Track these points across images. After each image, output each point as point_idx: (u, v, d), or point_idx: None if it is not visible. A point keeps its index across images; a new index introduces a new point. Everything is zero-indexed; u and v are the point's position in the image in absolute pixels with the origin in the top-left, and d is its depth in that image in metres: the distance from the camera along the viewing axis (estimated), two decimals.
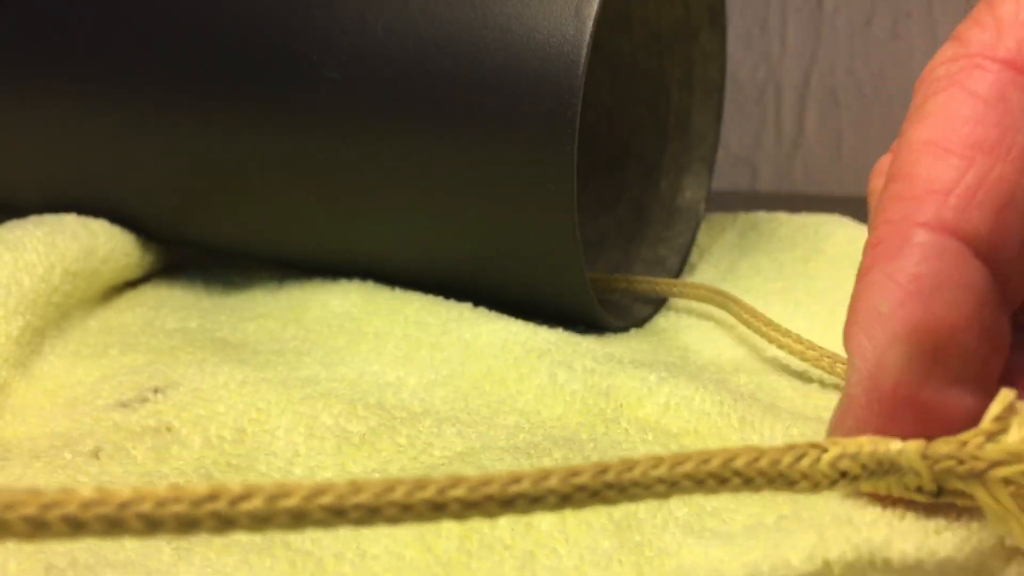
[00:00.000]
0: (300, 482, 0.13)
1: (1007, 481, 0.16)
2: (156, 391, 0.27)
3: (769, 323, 0.31)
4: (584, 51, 0.30)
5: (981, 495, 0.16)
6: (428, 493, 0.14)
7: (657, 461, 0.15)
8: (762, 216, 0.45)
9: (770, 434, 0.25)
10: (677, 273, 0.40)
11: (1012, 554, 0.17)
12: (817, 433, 0.25)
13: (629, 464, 0.15)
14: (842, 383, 0.29)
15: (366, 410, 0.26)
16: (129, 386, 0.28)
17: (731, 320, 0.35)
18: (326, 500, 0.13)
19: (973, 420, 0.17)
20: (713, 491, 0.15)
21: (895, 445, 0.16)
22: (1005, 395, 0.16)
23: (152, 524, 0.13)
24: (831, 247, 0.40)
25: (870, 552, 0.18)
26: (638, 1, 0.41)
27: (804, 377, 0.30)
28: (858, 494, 0.20)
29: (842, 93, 0.65)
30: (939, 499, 0.17)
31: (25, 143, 0.39)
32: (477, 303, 0.34)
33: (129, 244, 0.37)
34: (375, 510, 0.13)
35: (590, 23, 0.30)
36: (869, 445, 0.16)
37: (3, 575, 0.19)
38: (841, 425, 0.19)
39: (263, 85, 0.34)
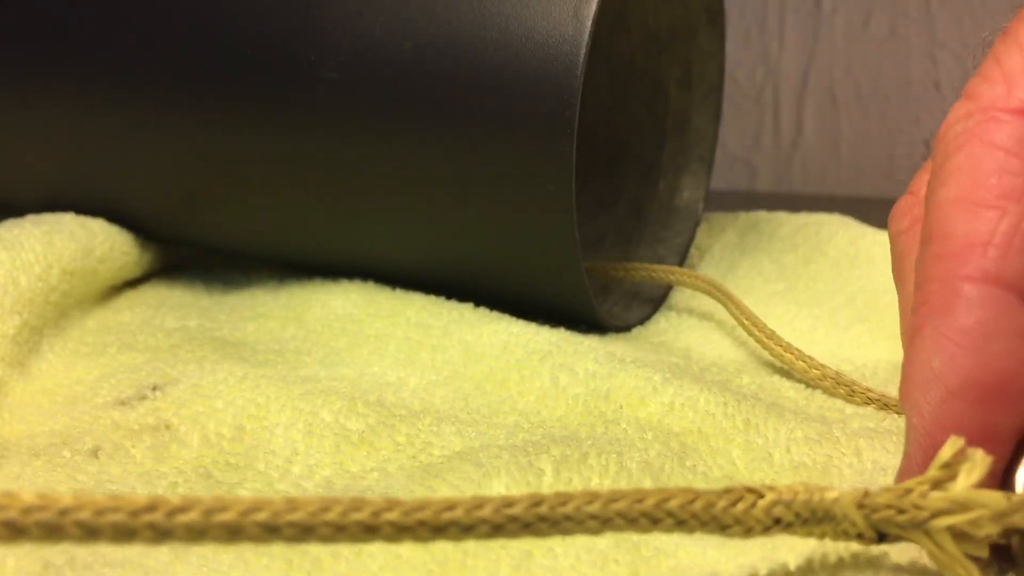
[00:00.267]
0: (238, 497, 0.14)
1: (953, 530, 0.16)
2: (155, 389, 0.27)
3: (772, 335, 0.31)
4: (583, 51, 0.30)
5: (925, 543, 0.16)
6: (362, 515, 0.14)
7: (592, 497, 0.15)
8: (762, 215, 0.45)
9: (774, 436, 0.25)
10: None
11: None
12: (820, 435, 0.25)
13: (564, 498, 0.15)
14: (845, 396, 0.29)
15: (366, 407, 0.26)
16: (128, 384, 0.28)
17: (733, 320, 0.35)
18: (261, 516, 0.13)
19: None
20: (646, 530, 0.15)
21: (831, 494, 0.16)
22: (954, 442, 0.16)
23: (91, 531, 0.13)
24: (832, 248, 0.40)
25: (868, 559, 0.18)
26: (636, 1, 0.41)
27: (806, 378, 0.30)
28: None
29: (840, 93, 0.65)
30: (883, 544, 0.17)
31: (24, 143, 0.39)
32: (478, 303, 0.34)
33: (127, 243, 0.37)
34: (309, 529, 0.14)
35: (589, 23, 0.30)
36: (804, 494, 0.16)
37: (1, 572, 0.19)
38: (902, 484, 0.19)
39: (262, 85, 0.34)
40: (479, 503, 0.14)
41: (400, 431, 0.25)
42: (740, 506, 0.16)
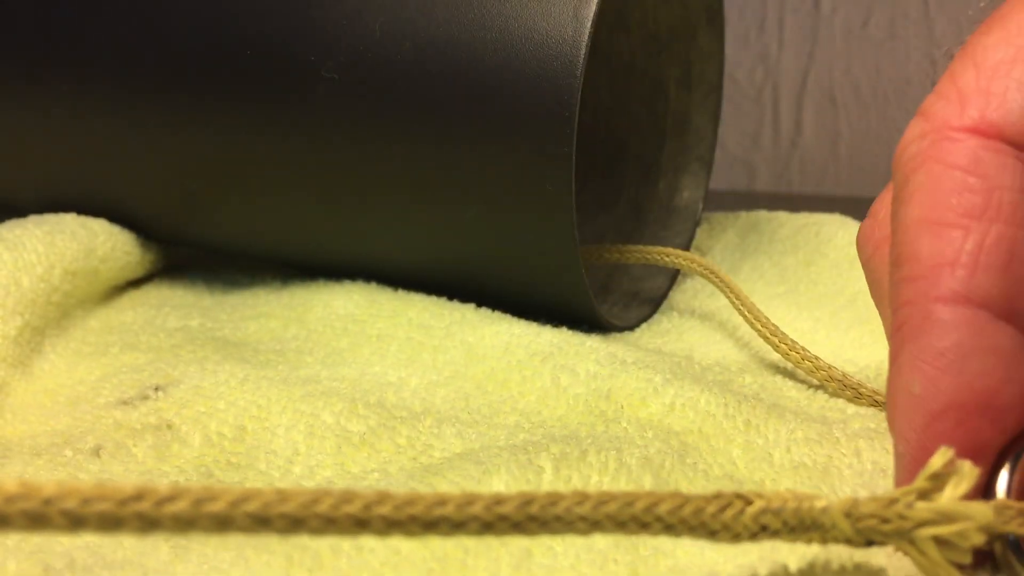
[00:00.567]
0: (228, 487, 0.13)
1: (938, 539, 0.16)
2: (157, 389, 0.27)
3: (767, 324, 0.31)
4: (582, 51, 0.30)
5: (910, 551, 0.16)
6: (353, 508, 0.14)
7: (582, 498, 0.15)
8: (763, 215, 0.45)
9: (774, 437, 0.25)
10: (675, 275, 0.40)
11: None
12: (820, 435, 0.25)
13: (554, 498, 0.15)
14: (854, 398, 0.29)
15: (367, 409, 0.26)
16: (130, 384, 0.28)
17: (736, 320, 0.35)
18: (251, 507, 0.13)
19: None
20: (634, 533, 0.16)
21: (819, 503, 0.16)
22: (943, 453, 0.16)
23: (77, 520, 0.13)
24: (832, 250, 0.40)
25: (870, 566, 0.18)
26: (636, 1, 0.41)
27: (809, 378, 0.30)
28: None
29: (839, 93, 0.65)
30: (871, 548, 0.17)
31: (25, 142, 0.39)
32: (480, 304, 0.34)
33: (129, 243, 0.37)
34: (299, 521, 0.14)
35: (588, 24, 0.30)
36: (793, 502, 0.16)
37: (2, 575, 0.19)
38: None
39: (262, 85, 0.34)
40: (470, 500, 0.14)
41: (401, 433, 0.25)
42: (729, 512, 0.16)
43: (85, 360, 0.30)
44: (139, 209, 0.38)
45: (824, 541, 0.16)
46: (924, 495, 0.16)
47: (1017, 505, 0.16)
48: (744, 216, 0.45)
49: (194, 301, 0.37)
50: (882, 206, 0.23)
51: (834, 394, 0.29)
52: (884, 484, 0.23)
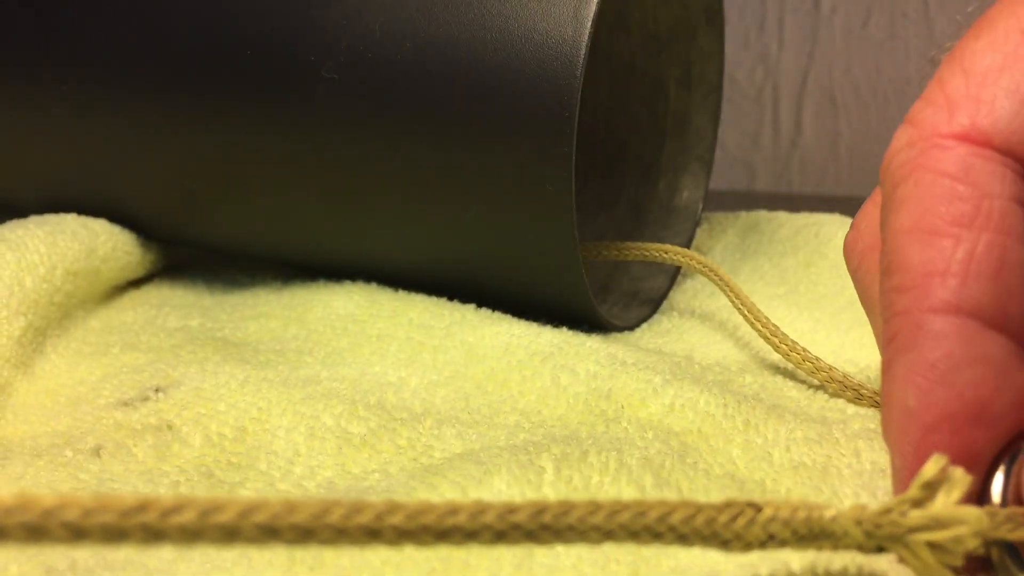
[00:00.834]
0: (235, 497, 0.13)
1: (932, 544, 0.16)
2: (157, 390, 0.27)
3: (767, 324, 0.31)
4: (582, 51, 0.30)
5: (906, 556, 0.16)
6: (364, 519, 0.13)
7: (594, 507, 0.15)
8: (763, 216, 0.45)
9: (773, 436, 0.25)
10: (675, 274, 0.41)
11: None
12: (820, 435, 0.25)
13: (567, 507, 0.15)
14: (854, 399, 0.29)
15: (367, 410, 0.26)
16: (131, 385, 0.28)
17: (736, 320, 0.35)
18: (260, 518, 0.13)
19: None
20: (647, 543, 0.15)
21: (829, 512, 0.16)
22: (936, 461, 0.16)
23: (78, 532, 0.12)
24: (832, 251, 0.40)
25: (872, 566, 0.18)
26: (636, 1, 0.41)
27: (809, 378, 0.30)
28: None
29: (839, 93, 0.65)
30: (880, 553, 0.17)
31: (25, 143, 0.39)
32: (481, 304, 0.34)
33: (129, 243, 0.37)
34: (309, 532, 0.13)
35: (588, 24, 0.30)
36: (803, 511, 0.16)
37: None
38: None
39: (262, 85, 0.34)
40: (482, 509, 0.14)
41: (401, 434, 0.25)
42: (740, 521, 0.16)
43: (86, 360, 0.30)
44: (139, 209, 0.38)
45: (835, 548, 0.16)
46: (918, 504, 0.16)
47: (1006, 511, 0.16)
48: (744, 216, 0.45)
49: (194, 301, 0.37)
50: (864, 216, 0.23)
51: (834, 394, 0.29)
52: (883, 484, 0.23)
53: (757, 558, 0.19)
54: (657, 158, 0.43)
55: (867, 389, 0.28)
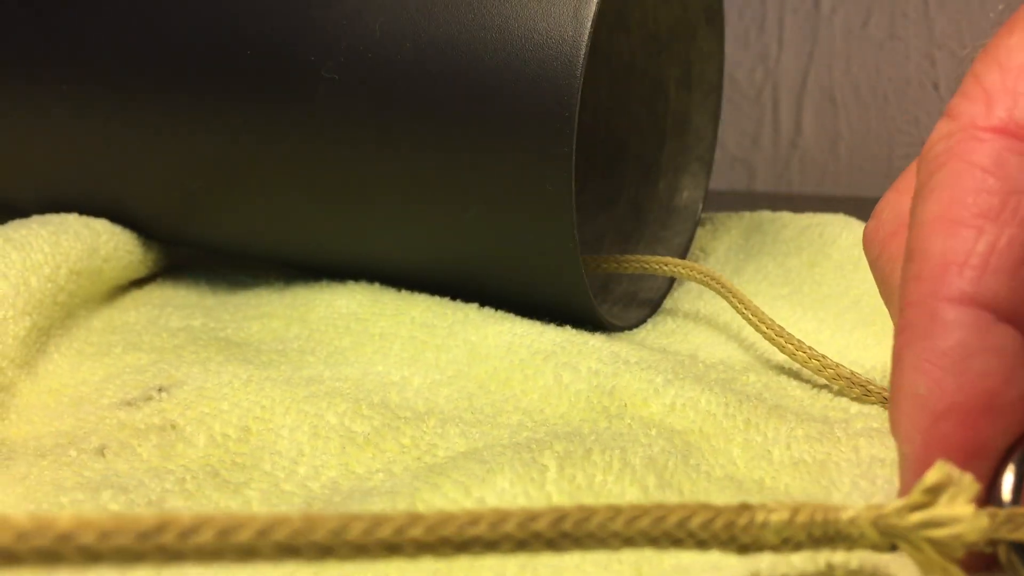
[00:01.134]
0: (254, 515, 0.13)
1: (933, 542, 0.16)
2: (160, 390, 0.27)
3: (772, 325, 0.31)
4: (582, 51, 0.30)
5: (906, 548, 0.16)
6: (384, 533, 0.13)
7: (614, 513, 0.15)
8: (766, 215, 0.45)
9: (774, 435, 0.25)
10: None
11: None
12: (821, 433, 0.25)
13: (587, 513, 0.15)
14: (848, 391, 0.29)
15: (370, 410, 0.26)
16: (134, 385, 0.28)
17: (741, 320, 0.35)
18: (279, 536, 0.13)
19: None
20: (666, 548, 0.15)
21: (846, 513, 0.16)
22: (939, 468, 0.16)
23: (93, 556, 0.12)
24: (836, 251, 0.40)
25: (873, 565, 0.18)
26: (636, 1, 0.41)
27: (813, 377, 0.31)
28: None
29: (839, 93, 0.65)
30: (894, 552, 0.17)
31: (26, 143, 0.39)
32: (483, 304, 0.34)
33: (131, 242, 0.37)
34: (328, 549, 0.13)
35: (588, 23, 0.30)
36: (820, 513, 0.16)
37: None
38: None
39: (262, 85, 0.34)
40: (503, 517, 0.14)
41: (405, 433, 0.25)
42: (756, 524, 0.16)
43: (88, 360, 0.30)
44: (139, 209, 0.38)
45: (849, 549, 0.16)
46: (919, 508, 0.16)
47: (1006, 512, 0.16)
48: (748, 216, 0.45)
49: (197, 301, 0.37)
50: (886, 205, 0.23)
51: (839, 393, 0.29)
52: (882, 472, 0.23)
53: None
54: (657, 158, 0.43)
55: (875, 386, 0.28)
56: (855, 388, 0.28)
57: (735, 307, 0.33)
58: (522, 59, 0.31)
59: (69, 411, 0.27)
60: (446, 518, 0.14)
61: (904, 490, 0.19)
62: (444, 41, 0.32)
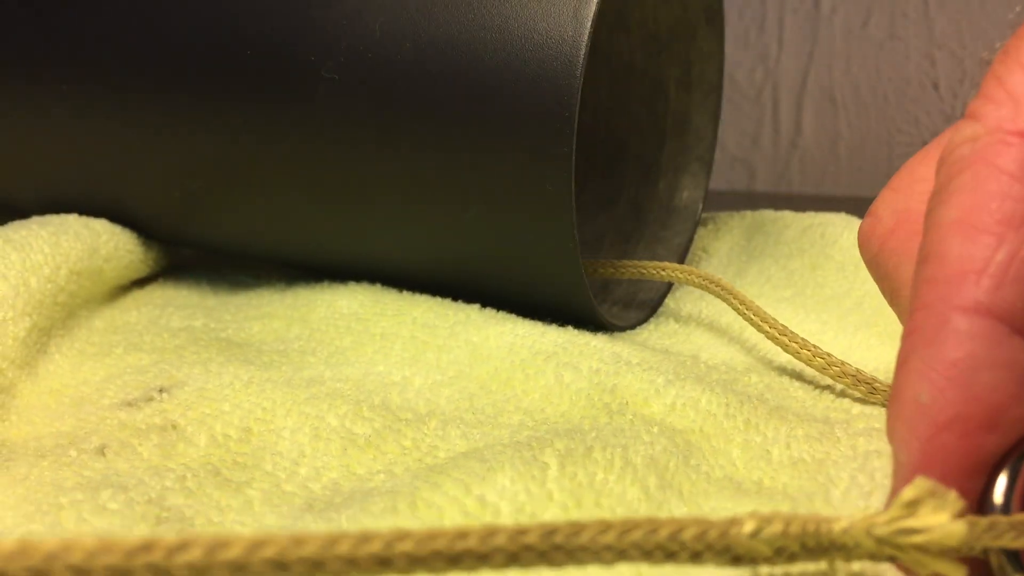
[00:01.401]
0: (239, 534, 0.13)
1: (916, 548, 0.16)
2: (161, 390, 0.27)
3: (774, 325, 0.31)
4: (582, 51, 0.30)
5: (904, 558, 0.16)
6: (374, 547, 0.13)
7: (605, 527, 0.15)
8: (768, 216, 0.45)
9: (773, 435, 0.25)
10: None
11: None
12: (821, 434, 0.25)
13: (577, 528, 0.15)
14: (849, 389, 0.29)
15: (371, 411, 0.26)
16: (135, 385, 0.28)
17: (743, 322, 0.35)
18: (268, 553, 0.13)
19: None
20: (660, 563, 0.15)
21: (839, 524, 0.16)
22: (918, 485, 0.16)
23: (84, 573, 0.12)
24: (838, 252, 0.40)
25: (875, 569, 0.18)
26: (636, 1, 0.41)
27: (816, 378, 0.31)
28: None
29: (839, 93, 0.65)
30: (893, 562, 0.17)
31: (25, 143, 0.39)
32: (485, 304, 0.34)
33: (132, 242, 0.37)
34: (319, 564, 0.13)
35: (588, 24, 0.30)
36: (812, 524, 0.16)
37: None
38: None
39: (262, 86, 0.34)
40: (492, 531, 0.14)
41: (406, 435, 0.25)
42: (748, 535, 0.16)
43: (89, 361, 0.30)
44: (139, 210, 0.38)
45: (847, 559, 0.16)
46: (900, 519, 0.16)
47: (985, 520, 0.16)
48: (750, 216, 0.45)
49: (198, 301, 0.37)
50: (882, 203, 0.23)
51: (842, 394, 0.29)
52: (880, 466, 0.23)
53: None
54: (657, 158, 0.43)
55: (880, 383, 0.28)
56: (860, 386, 0.28)
57: (736, 309, 0.33)
58: (522, 59, 0.31)
59: (70, 411, 0.27)
60: (436, 533, 0.14)
61: (894, 498, 0.18)
62: (444, 41, 0.32)
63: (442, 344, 0.32)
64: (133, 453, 0.24)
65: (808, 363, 0.30)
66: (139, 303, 0.36)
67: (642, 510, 0.21)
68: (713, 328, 0.36)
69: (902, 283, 0.21)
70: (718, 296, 0.35)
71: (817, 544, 0.16)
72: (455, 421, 0.26)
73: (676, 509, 0.22)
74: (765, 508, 0.21)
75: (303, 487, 0.23)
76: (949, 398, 0.17)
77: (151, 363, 0.30)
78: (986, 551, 0.16)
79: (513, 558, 0.14)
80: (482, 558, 0.14)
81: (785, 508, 0.22)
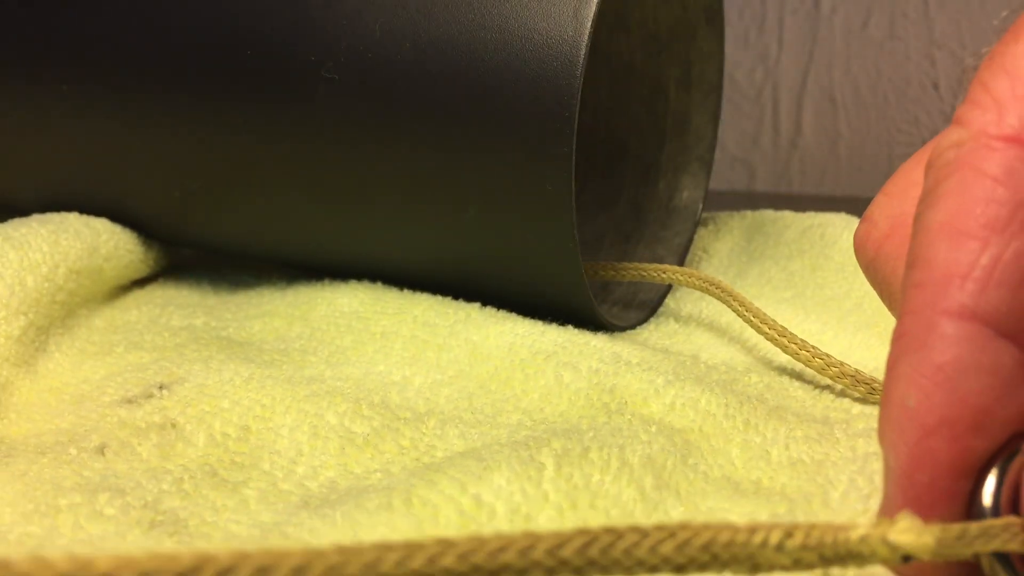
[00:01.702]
0: (289, 550, 0.13)
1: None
2: (161, 388, 0.27)
3: (774, 326, 0.31)
4: (582, 51, 0.30)
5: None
6: (416, 563, 0.13)
7: (640, 537, 0.15)
8: (768, 215, 0.45)
9: (773, 435, 0.26)
10: None
11: None
12: (820, 434, 0.25)
13: (615, 537, 0.15)
14: (850, 390, 0.29)
15: (370, 410, 0.26)
16: (135, 383, 0.28)
17: (743, 323, 0.35)
18: (315, 573, 0.13)
19: None
20: (692, 573, 0.15)
21: (856, 532, 0.16)
22: (904, 518, 0.16)
23: None
24: (838, 253, 0.41)
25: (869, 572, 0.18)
26: (636, 1, 0.41)
27: (816, 378, 0.31)
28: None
29: (839, 93, 0.65)
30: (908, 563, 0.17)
31: (25, 143, 0.39)
32: (485, 303, 0.34)
33: (132, 241, 0.37)
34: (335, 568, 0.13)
35: (588, 24, 0.30)
36: (830, 535, 0.16)
37: None
38: None
39: (262, 86, 0.34)
40: (532, 543, 0.14)
41: (404, 434, 0.25)
42: (770, 545, 0.16)
43: (90, 359, 0.30)
44: (139, 209, 0.38)
45: (861, 566, 0.16)
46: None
47: (956, 528, 0.16)
48: (750, 216, 0.46)
49: (199, 300, 0.37)
50: (877, 207, 0.23)
51: (841, 394, 0.29)
52: (879, 467, 0.23)
53: None
54: (657, 158, 0.43)
55: (880, 383, 0.28)
56: (859, 387, 0.28)
57: (736, 310, 0.33)
58: (522, 59, 0.31)
59: (70, 409, 0.27)
60: (477, 544, 0.14)
61: (887, 500, 0.18)
62: (444, 41, 0.32)
63: (442, 343, 0.32)
64: (132, 453, 0.24)
65: (807, 363, 0.30)
66: (139, 302, 0.36)
67: (638, 511, 0.21)
68: (713, 328, 0.36)
69: (898, 288, 0.21)
70: (719, 299, 0.35)
71: (835, 554, 0.16)
72: (454, 420, 0.26)
73: (673, 509, 0.22)
74: (763, 509, 0.21)
75: (300, 485, 0.23)
76: (936, 402, 0.17)
77: (151, 361, 0.30)
78: (977, 555, 0.16)
79: (550, 573, 0.14)
80: (520, 573, 0.14)
81: (783, 509, 0.22)
